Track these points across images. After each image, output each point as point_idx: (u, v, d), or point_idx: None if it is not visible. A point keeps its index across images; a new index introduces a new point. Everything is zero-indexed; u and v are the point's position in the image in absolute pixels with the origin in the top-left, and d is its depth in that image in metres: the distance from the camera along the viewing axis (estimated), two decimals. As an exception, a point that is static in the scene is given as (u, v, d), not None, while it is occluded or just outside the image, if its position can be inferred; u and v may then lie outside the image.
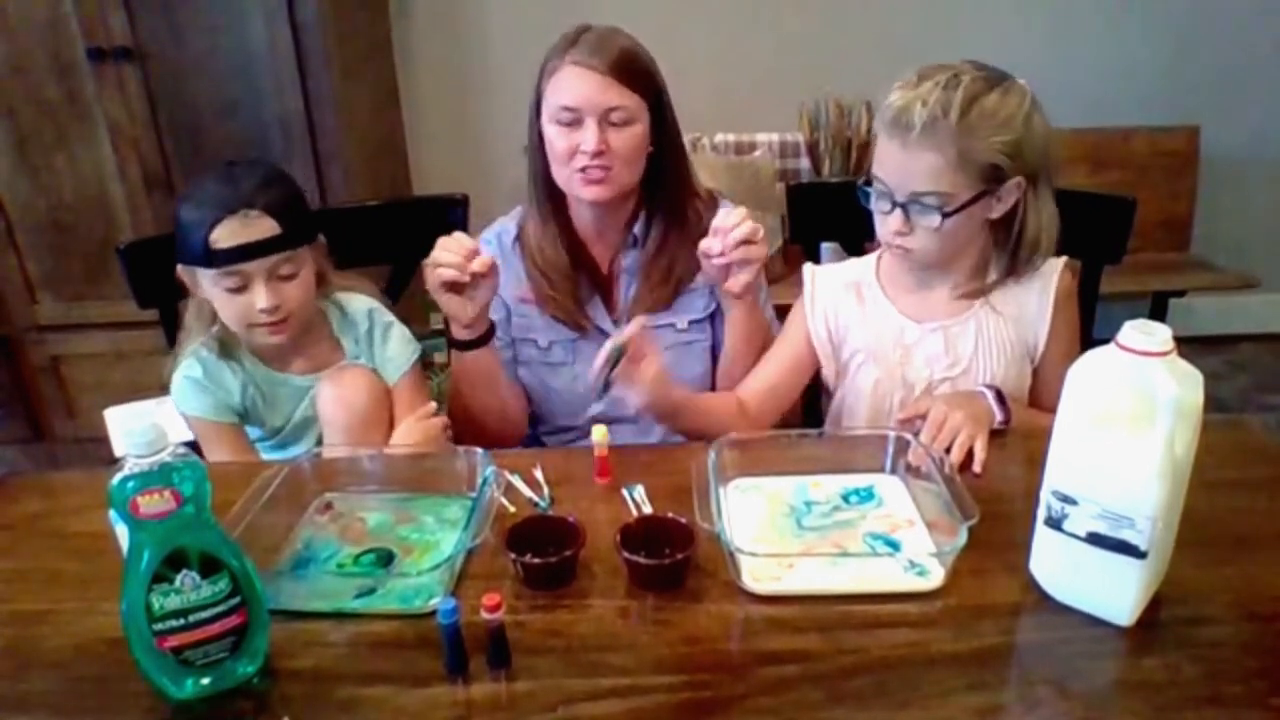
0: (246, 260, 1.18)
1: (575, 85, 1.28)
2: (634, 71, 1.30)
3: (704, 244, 1.23)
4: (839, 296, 1.30)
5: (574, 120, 1.29)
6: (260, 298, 1.20)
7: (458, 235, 1.24)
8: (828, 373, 1.32)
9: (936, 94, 1.08)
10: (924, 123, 1.07)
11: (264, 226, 1.19)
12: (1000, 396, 1.17)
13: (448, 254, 1.21)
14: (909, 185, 1.12)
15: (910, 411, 1.14)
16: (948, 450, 1.07)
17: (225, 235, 1.17)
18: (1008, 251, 1.21)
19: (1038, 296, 1.22)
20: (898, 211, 1.14)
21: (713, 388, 1.46)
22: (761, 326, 1.36)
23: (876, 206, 1.17)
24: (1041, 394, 1.25)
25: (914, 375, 1.24)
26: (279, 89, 2.25)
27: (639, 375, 1.15)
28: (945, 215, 1.12)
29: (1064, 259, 1.24)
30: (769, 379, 1.32)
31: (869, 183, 1.17)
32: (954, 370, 1.23)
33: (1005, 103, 1.10)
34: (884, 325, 1.26)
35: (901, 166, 1.12)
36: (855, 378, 1.29)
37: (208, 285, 1.22)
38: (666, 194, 1.40)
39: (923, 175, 1.11)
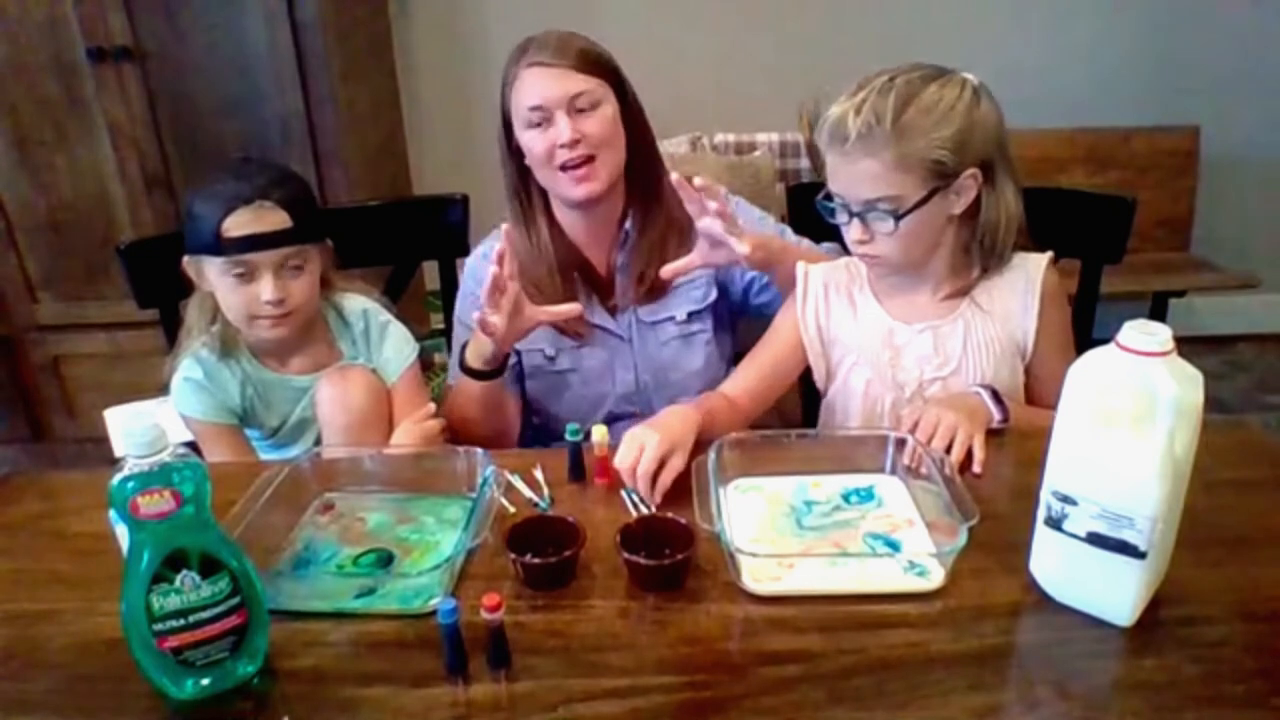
0: (257, 250, 1.19)
1: (536, 84, 1.29)
2: (589, 58, 1.31)
3: (703, 224, 1.25)
4: (830, 296, 1.30)
5: (544, 119, 1.29)
6: (266, 289, 1.21)
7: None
8: (818, 373, 1.31)
9: (871, 101, 1.09)
10: (858, 132, 1.09)
11: (276, 219, 1.20)
12: (996, 395, 1.17)
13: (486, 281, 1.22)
14: (858, 194, 1.13)
15: (908, 424, 1.13)
16: (948, 450, 1.07)
17: (237, 225, 1.18)
18: (977, 245, 1.21)
19: (1023, 294, 1.22)
20: (855, 221, 1.16)
21: (716, 379, 1.47)
22: (805, 256, 1.35)
23: (837, 219, 1.19)
24: (1036, 392, 1.25)
25: (904, 376, 1.24)
26: (279, 89, 2.25)
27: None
28: (898, 218, 1.12)
29: (1048, 255, 1.24)
30: (759, 375, 1.31)
31: (829, 197, 1.18)
32: (944, 370, 1.23)
33: (943, 96, 1.11)
34: (874, 327, 1.27)
35: (846, 177, 1.14)
36: (847, 379, 1.29)
37: (214, 276, 1.23)
38: (641, 179, 1.41)
39: (867, 182, 1.12)
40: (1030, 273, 1.22)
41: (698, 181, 1.24)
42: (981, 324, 1.23)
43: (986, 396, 1.16)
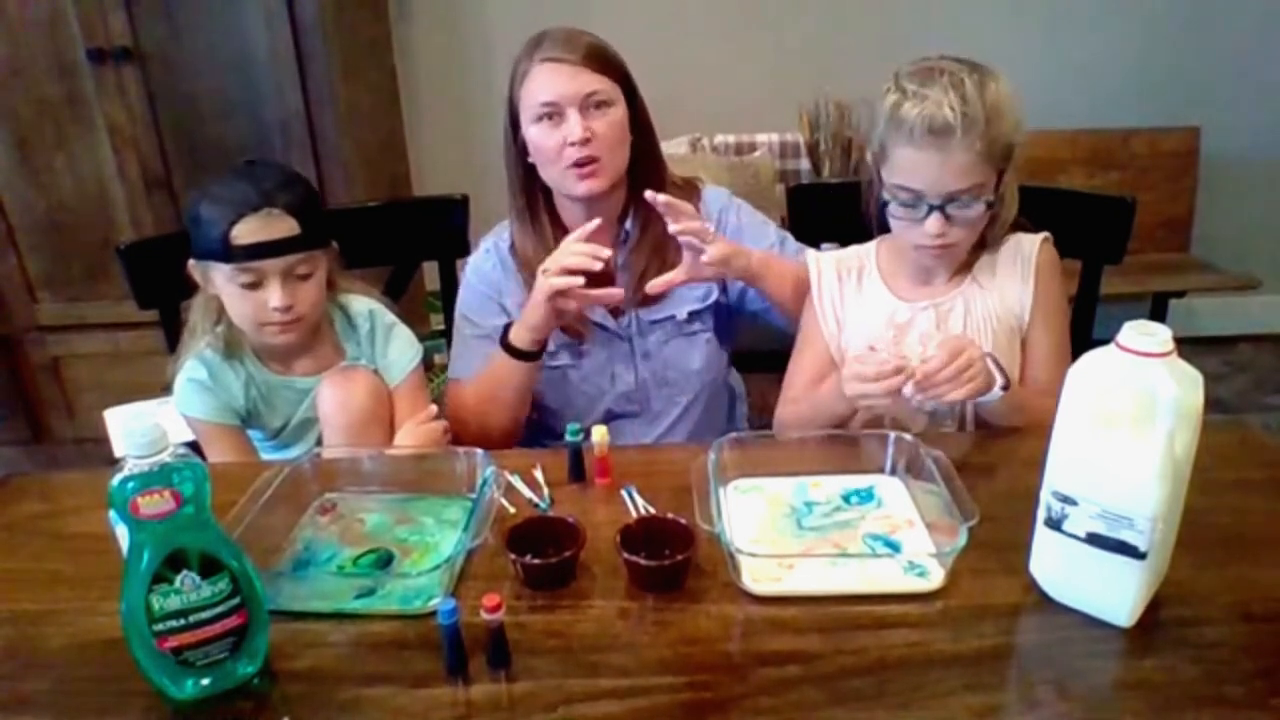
0: (266, 257, 1.19)
1: (550, 80, 1.29)
2: (603, 58, 1.32)
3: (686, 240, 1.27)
4: (841, 282, 1.31)
5: (555, 115, 1.29)
6: (275, 296, 1.20)
7: (581, 245, 1.25)
8: (838, 360, 1.31)
9: (954, 96, 1.10)
10: (961, 128, 1.10)
11: (285, 225, 1.19)
12: (1000, 368, 1.16)
13: (576, 258, 1.22)
14: (944, 187, 1.14)
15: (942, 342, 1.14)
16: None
17: (246, 232, 1.17)
18: (991, 226, 1.23)
19: (1021, 271, 1.24)
20: (935, 214, 1.15)
21: (715, 378, 1.48)
22: (790, 269, 1.37)
23: (907, 215, 1.18)
24: (1025, 368, 1.25)
25: (907, 354, 1.24)
26: (279, 90, 2.26)
27: None
28: (989, 205, 1.15)
29: (1045, 234, 1.26)
30: (809, 377, 1.31)
31: (878, 187, 1.19)
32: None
33: (1000, 88, 1.14)
34: (878, 308, 1.28)
35: (936, 171, 1.13)
36: None
37: (221, 282, 1.22)
38: (644, 180, 1.40)
39: (959, 174, 1.13)
40: (1025, 250, 1.25)
41: (661, 199, 1.25)
42: (981, 301, 1.24)
43: (992, 364, 1.16)
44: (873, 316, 1.28)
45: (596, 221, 1.27)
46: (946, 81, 1.11)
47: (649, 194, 1.26)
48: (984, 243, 1.25)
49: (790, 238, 1.49)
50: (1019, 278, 1.24)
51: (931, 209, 1.15)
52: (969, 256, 1.25)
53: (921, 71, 1.14)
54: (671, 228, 1.27)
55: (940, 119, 1.10)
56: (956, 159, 1.12)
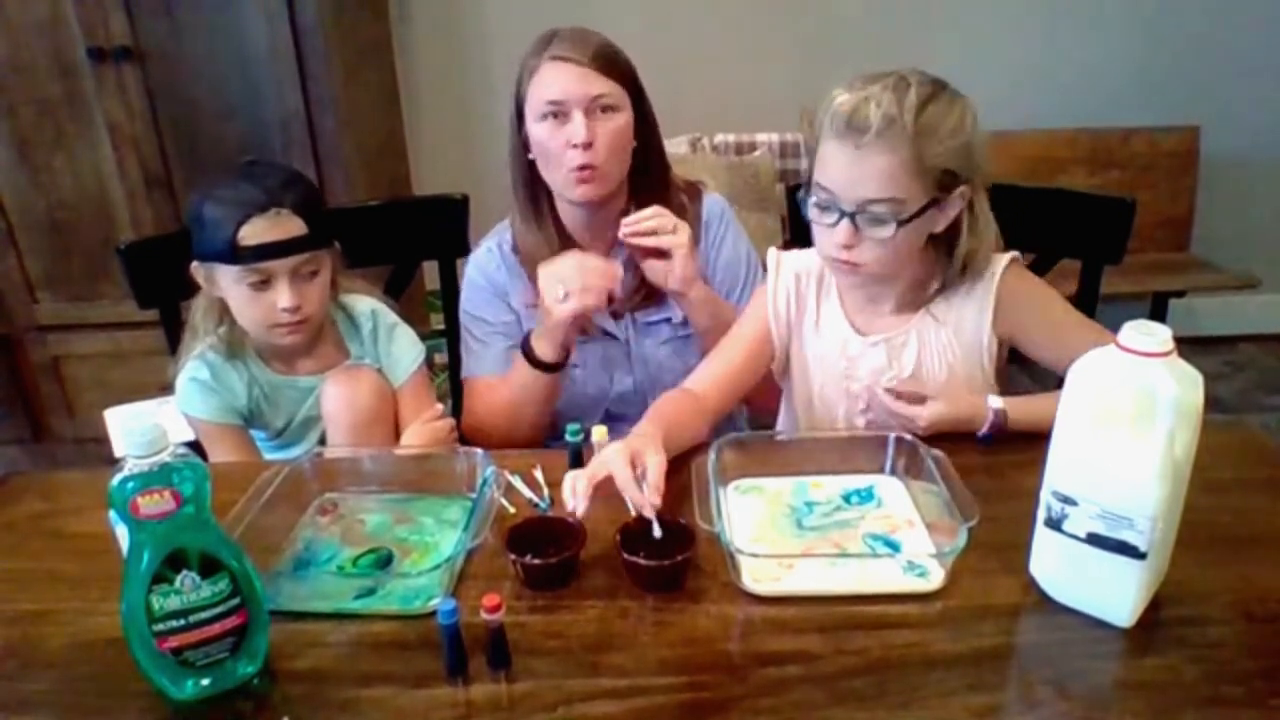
0: (275, 258, 1.19)
1: (558, 78, 1.28)
2: (613, 62, 1.31)
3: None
4: (802, 284, 1.26)
5: (560, 114, 1.29)
6: (283, 297, 1.20)
7: (595, 262, 1.26)
8: (778, 362, 1.28)
9: (889, 96, 1.03)
10: (879, 125, 1.02)
11: (292, 226, 1.19)
12: (1000, 416, 1.13)
13: (598, 279, 1.23)
14: (859, 192, 1.05)
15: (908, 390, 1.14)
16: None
17: (254, 233, 1.17)
18: (950, 263, 1.16)
19: (978, 301, 1.17)
20: (845, 222, 1.06)
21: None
22: (723, 314, 1.34)
23: (819, 218, 1.11)
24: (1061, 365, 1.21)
25: (857, 387, 1.22)
26: (279, 90, 2.25)
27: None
28: (900, 224, 1.05)
29: (1008, 255, 1.18)
30: (728, 368, 1.25)
31: (806, 191, 1.11)
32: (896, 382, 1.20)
33: (953, 108, 1.06)
34: (832, 334, 1.24)
35: (852, 172, 1.05)
36: (805, 384, 1.27)
37: (228, 283, 1.22)
38: (647, 183, 1.41)
39: (876, 180, 1.04)
40: (986, 280, 1.17)
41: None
42: (935, 334, 1.19)
43: (992, 409, 1.13)
44: (825, 343, 1.24)
45: (620, 273, 1.28)
46: (891, 83, 1.05)
47: (623, 233, 1.27)
48: (944, 284, 1.17)
49: (754, 278, 1.47)
50: (976, 306, 1.17)
51: (842, 215, 1.06)
52: (923, 295, 1.19)
53: (881, 74, 1.07)
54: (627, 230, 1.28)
55: (862, 113, 1.02)
56: (872, 161, 1.03)
